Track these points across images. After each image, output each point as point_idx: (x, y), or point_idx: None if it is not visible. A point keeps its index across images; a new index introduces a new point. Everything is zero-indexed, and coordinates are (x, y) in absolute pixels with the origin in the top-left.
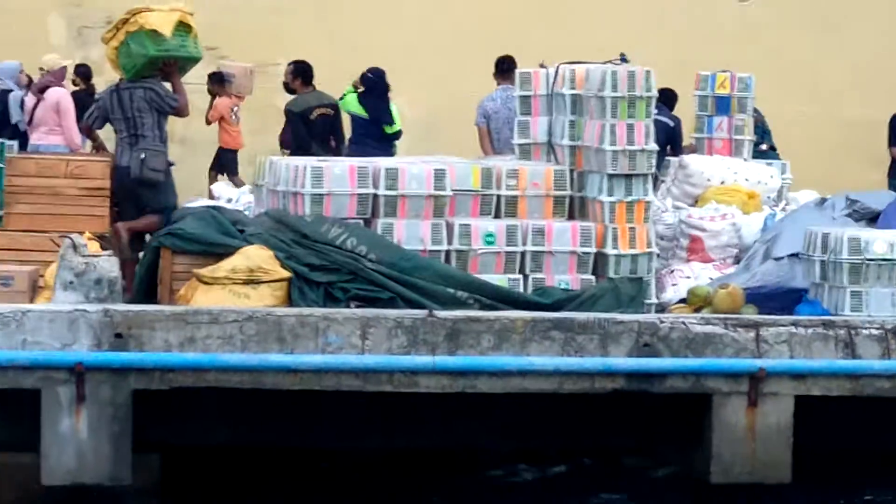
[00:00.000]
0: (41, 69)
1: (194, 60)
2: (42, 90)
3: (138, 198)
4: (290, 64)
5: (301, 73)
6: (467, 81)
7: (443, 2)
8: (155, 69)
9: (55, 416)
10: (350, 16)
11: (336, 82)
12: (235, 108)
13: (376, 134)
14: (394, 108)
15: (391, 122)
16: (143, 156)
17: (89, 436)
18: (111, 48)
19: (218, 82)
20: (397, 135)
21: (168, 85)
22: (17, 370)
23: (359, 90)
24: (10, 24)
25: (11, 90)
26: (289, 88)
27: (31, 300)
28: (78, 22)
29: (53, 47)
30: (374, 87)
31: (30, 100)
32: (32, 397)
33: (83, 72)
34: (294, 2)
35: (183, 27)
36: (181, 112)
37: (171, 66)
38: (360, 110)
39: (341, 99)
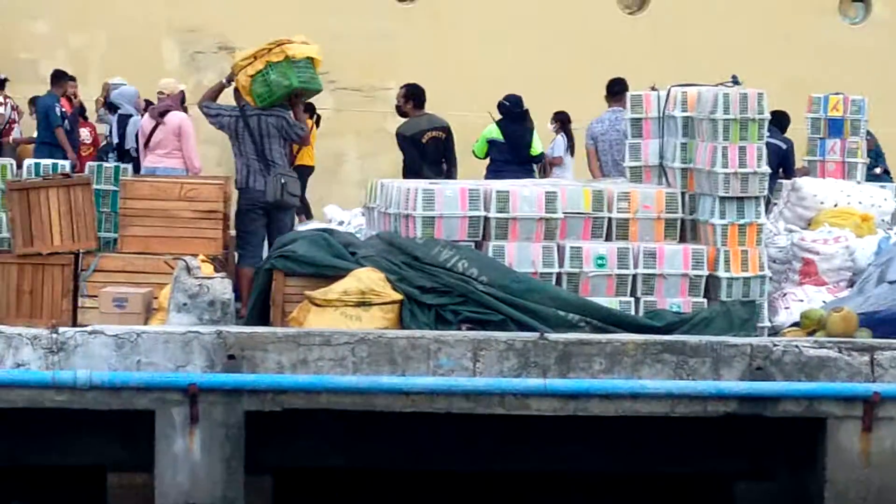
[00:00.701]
0: (160, 93)
1: (318, 91)
2: (162, 114)
3: (268, 221)
4: (402, 87)
5: (413, 97)
6: (578, 105)
7: (553, 25)
8: (285, 98)
9: (169, 437)
10: (461, 40)
11: (447, 106)
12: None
13: (517, 158)
14: (534, 132)
15: (530, 146)
16: (283, 181)
17: (202, 457)
18: (245, 76)
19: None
20: (538, 158)
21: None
22: (132, 391)
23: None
24: (124, 50)
25: (131, 115)
26: (401, 112)
27: (146, 322)
28: (191, 48)
29: (167, 72)
30: (510, 112)
31: (147, 122)
32: (147, 418)
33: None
34: (406, 27)
35: (312, 59)
36: (305, 141)
37: (300, 95)
38: (499, 136)
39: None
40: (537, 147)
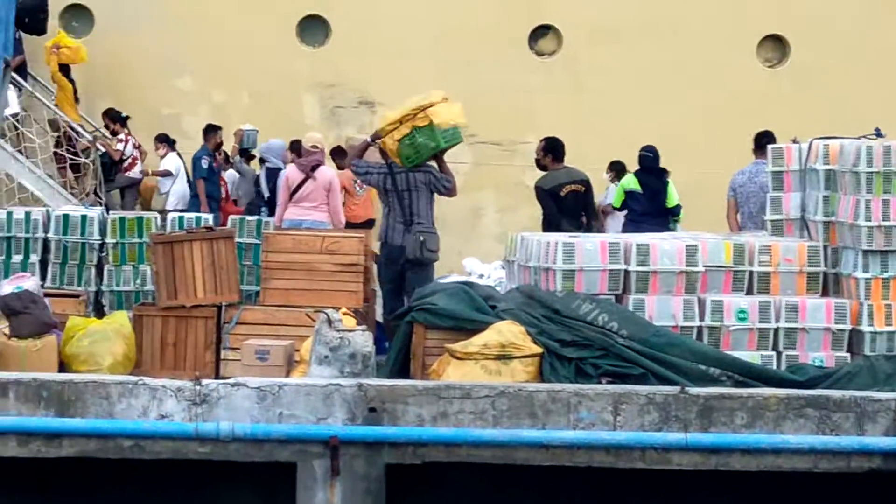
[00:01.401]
0: (313, 147)
1: (459, 142)
2: (314, 168)
3: (402, 279)
4: (541, 141)
5: (553, 150)
6: (717, 157)
7: (692, 78)
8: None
9: (310, 490)
10: (600, 93)
11: (585, 159)
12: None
13: (655, 209)
14: (671, 183)
15: (667, 197)
16: (421, 238)
17: None
18: (392, 140)
19: (338, 155)
20: (676, 210)
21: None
22: (274, 443)
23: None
24: (265, 105)
25: (280, 168)
26: (540, 165)
27: (287, 374)
28: (331, 102)
29: (307, 127)
30: (649, 164)
31: (294, 174)
32: (288, 470)
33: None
34: (545, 81)
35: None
36: (452, 192)
37: (443, 151)
38: (637, 186)
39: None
40: (674, 198)
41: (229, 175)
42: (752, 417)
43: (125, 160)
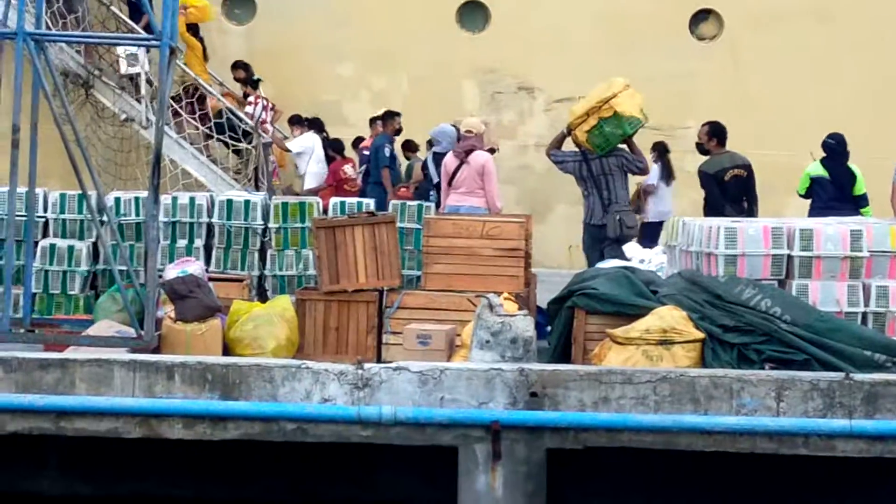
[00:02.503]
0: (467, 132)
1: (644, 124)
2: (467, 153)
3: (603, 256)
4: (704, 125)
5: (717, 134)
6: (880, 141)
7: (855, 60)
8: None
9: (472, 474)
10: (761, 77)
11: (746, 144)
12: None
13: (841, 196)
14: (857, 170)
15: (854, 184)
16: (618, 217)
17: (504, 494)
18: (582, 132)
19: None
20: (863, 198)
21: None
22: (436, 427)
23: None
24: (425, 91)
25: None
26: (703, 149)
27: (449, 358)
28: (491, 88)
29: (467, 112)
30: (834, 151)
31: (451, 161)
32: (449, 454)
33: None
34: (705, 65)
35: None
36: (645, 170)
37: (631, 135)
38: (824, 173)
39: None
40: (863, 186)
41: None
42: None
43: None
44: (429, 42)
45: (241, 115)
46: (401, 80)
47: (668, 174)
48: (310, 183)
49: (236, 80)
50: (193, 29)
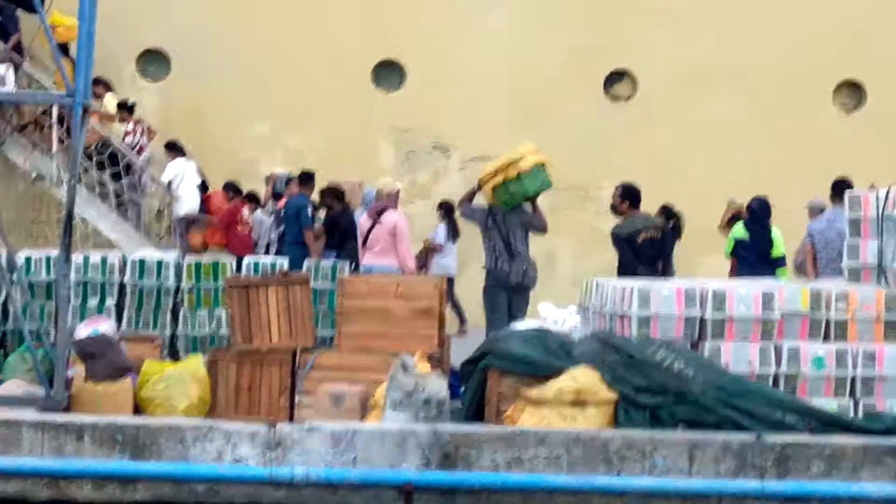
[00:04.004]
0: (379, 192)
1: (549, 187)
2: (380, 213)
3: (504, 301)
4: (617, 187)
5: (629, 196)
6: (794, 203)
7: (767, 123)
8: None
9: None
10: (675, 139)
11: (657, 204)
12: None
13: (761, 258)
14: (777, 233)
15: (771, 247)
16: (524, 267)
17: None
18: (489, 188)
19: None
20: (781, 260)
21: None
22: (348, 489)
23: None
24: (340, 150)
25: None
26: (616, 211)
27: (362, 419)
28: (406, 147)
29: (383, 171)
30: (755, 214)
31: (364, 221)
32: None
33: (336, 193)
34: (620, 126)
35: (543, 165)
36: (543, 230)
37: (535, 196)
38: (745, 236)
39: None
40: (780, 248)
41: (259, 218)
42: (830, 465)
43: (134, 147)
44: (344, 101)
45: (120, 146)
46: (316, 138)
47: (454, 232)
48: (181, 209)
49: (96, 96)
50: (63, 48)
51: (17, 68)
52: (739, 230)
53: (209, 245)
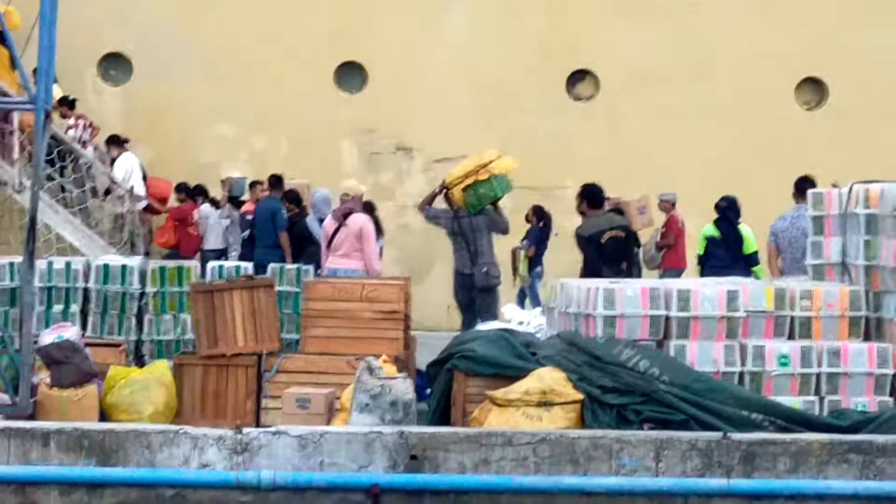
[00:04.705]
0: (344, 195)
1: (511, 190)
2: (345, 215)
3: (474, 302)
4: (580, 188)
5: (588, 196)
6: (758, 201)
7: (730, 122)
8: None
9: None
10: (638, 138)
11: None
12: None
13: (732, 256)
14: (748, 230)
15: (741, 245)
16: (485, 269)
17: None
18: (458, 191)
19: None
20: (753, 256)
21: None
22: (315, 491)
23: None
24: (304, 151)
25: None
26: (580, 212)
27: (329, 422)
28: (369, 148)
29: (346, 173)
30: (723, 212)
31: (329, 224)
32: None
33: (293, 197)
34: (582, 126)
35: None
36: (507, 230)
37: (499, 198)
38: (716, 233)
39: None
40: (751, 245)
41: (214, 221)
42: (795, 463)
43: (77, 142)
44: (307, 103)
45: (10, 92)
46: (280, 140)
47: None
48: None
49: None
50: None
51: None
52: (710, 228)
53: (157, 244)
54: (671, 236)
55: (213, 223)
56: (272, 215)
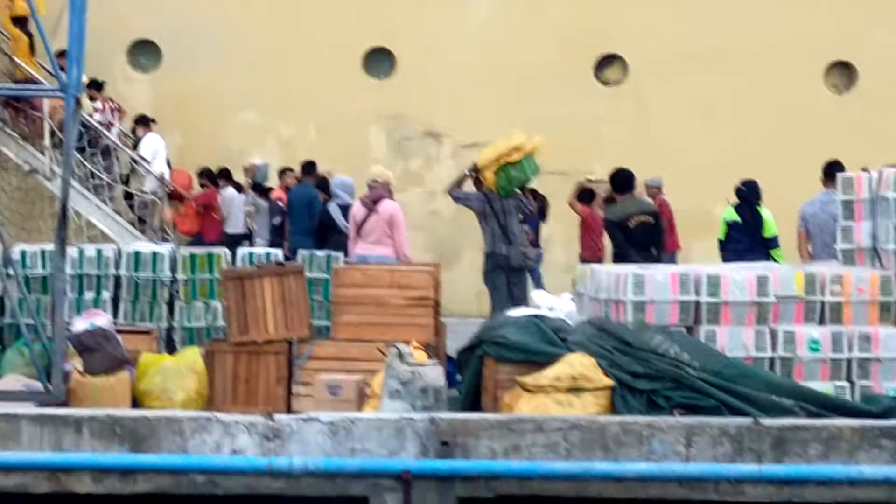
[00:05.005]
0: (373, 181)
1: (538, 174)
2: (375, 202)
3: (507, 284)
4: (611, 172)
5: (616, 181)
6: (786, 186)
7: (759, 106)
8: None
9: None
10: (666, 122)
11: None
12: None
13: (753, 240)
14: (768, 214)
15: (762, 229)
16: (522, 249)
17: None
18: (490, 173)
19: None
20: (773, 240)
21: None
22: (346, 478)
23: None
24: (332, 138)
25: (350, 204)
26: (608, 198)
27: (359, 408)
28: (398, 134)
29: (374, 159)
30: (743, 197)
31: (359, 210)
32: None
33: (322, 184)
34: (610, 111)
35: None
36: (533, 213)
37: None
38: (736, 218)
39: None
40: (772, 229)
41: (238, 204)
42: (826, 448)
43: (103, 125)
44: (335, 89)
45: (36, 76)
46: (308, 126)
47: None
48: (152, 184)
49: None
50: (21, 22)
51: None
52: (730, 212)
53: (180, 232)
54: (664, 220)
55: (237, 207)
56: (309, 202)
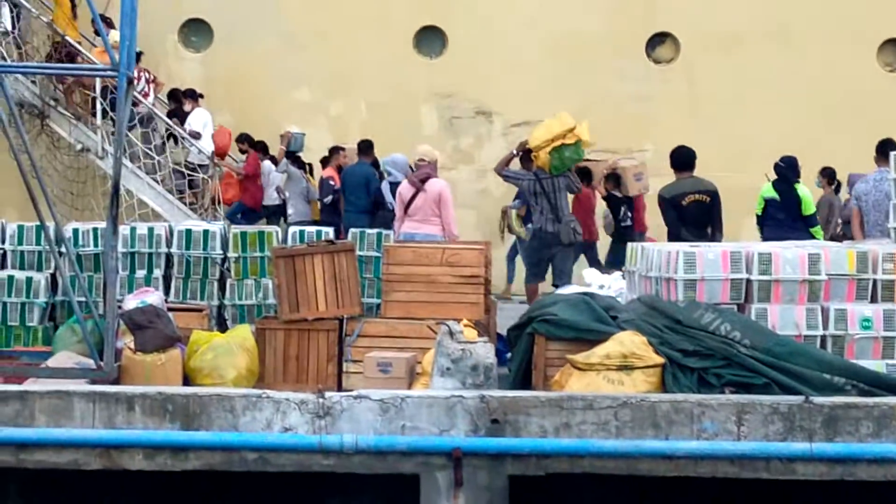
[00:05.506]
0: (420, 160)
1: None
2: (423, 181)
3: (549, 261)
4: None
5: (674, 159)
6: (837, 164)
7: (810, 84)
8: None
9: (433, 501)
10: (718, 101)
11: (704, 167)
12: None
13: (791, 217)
14: (805, 191)
15: (800, 205)
16: (572, 225)
17: None
18: (545, 153)
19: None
20: (812, 217)
21: None
22: (397, 455)
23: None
24: (383, 116)
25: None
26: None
27: (410, 386)
28: (449, 112)
29: (425, 137)
30: (782, 173)
31: (406, 189)
32: (411, 482)
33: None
34: (662, 89)
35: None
36: (581, 192)
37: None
38: (775, 195)
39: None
40: (810, 206)
41: (275, 177)
42: (878, 427)
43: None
44: (386, 67)
45: (77, 45)
46: (359, 105)
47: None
48: (195, 155)
49: (96, 33)
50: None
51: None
52: (768, 189)
53: (225, 203)
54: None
55: (274, 180)
56: (366, 181)
